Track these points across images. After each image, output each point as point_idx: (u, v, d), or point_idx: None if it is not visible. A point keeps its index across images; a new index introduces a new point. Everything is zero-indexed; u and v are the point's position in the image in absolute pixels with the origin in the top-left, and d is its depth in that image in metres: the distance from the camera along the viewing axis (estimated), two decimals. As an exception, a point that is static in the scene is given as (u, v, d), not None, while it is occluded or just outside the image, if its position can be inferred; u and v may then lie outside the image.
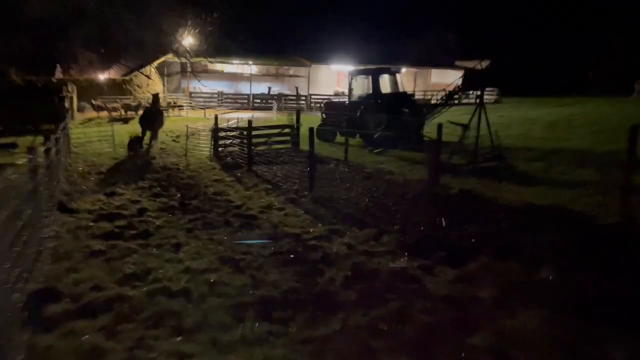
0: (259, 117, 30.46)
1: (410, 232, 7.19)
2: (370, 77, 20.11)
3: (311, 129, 21.17)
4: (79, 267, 5.98)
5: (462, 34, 43.47)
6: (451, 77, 45.35)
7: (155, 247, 7.06)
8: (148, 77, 35.35)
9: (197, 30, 37.21)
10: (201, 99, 36.05)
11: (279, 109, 33.16)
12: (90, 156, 16.49)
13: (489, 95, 39.96)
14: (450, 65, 43.73)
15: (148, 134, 17.86)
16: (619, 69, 41.97)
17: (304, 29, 43.74)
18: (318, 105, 36.56)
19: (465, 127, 14.19)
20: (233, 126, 20.62)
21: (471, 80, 42.20)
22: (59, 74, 36.47)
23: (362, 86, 20.85)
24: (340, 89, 41.65)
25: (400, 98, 20.03)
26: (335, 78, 44.34)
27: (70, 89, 30.33)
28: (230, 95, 37.40)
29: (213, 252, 6.71)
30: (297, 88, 39.01)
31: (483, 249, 6.05)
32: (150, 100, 20.75)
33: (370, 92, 20.15)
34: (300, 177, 12.86)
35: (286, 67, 42.50)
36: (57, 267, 5.97)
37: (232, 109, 34.96)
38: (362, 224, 7.89)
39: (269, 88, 40.08)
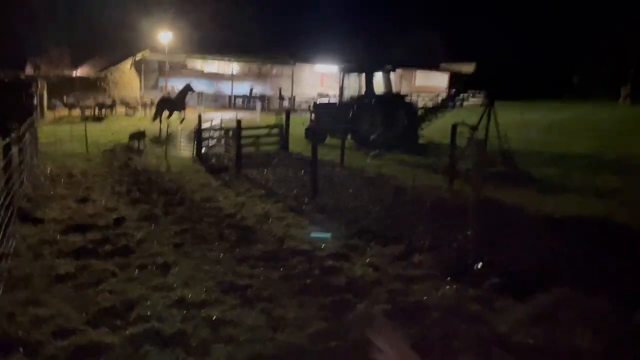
0: (242, 117, 29.02)
1: (443, 250, 6.06)
2: (363, 76, 19.00)
3: (309, 130, 20.16)
4: (40, 299, 4.67)
5: (447, 37, 42.87)
6: (436, 80, 44.77)
7: (138, 268, 5.77)
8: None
9: (176, 27, 35.79)
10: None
11: (263, 110, 31.85)
12: (60, 157, 14.97)
13: (475, 99, 39.30)
14: (436, 68, 43.05)
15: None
16: (605, 74, 41.88)
17: (287, 27, 42.52)
18: (303, 106, 35.40)
19: (473, 129, 13.17)
20: (217, 127, 19.25)
21: (458, 84, 41.69)
22: (29, 70, 34.53)
23: (354, 85, 19.72)
24: (324, 90, 40.55)
25: (394, 99, 18.99)
26: (319, 79, 43.22)
27: (40, 86, 28.49)
28: (210, 95, 35.92)
29: (210, 276, 5.46)
30: (280, 89, 37.75)
31: (546, 275, 4.95)
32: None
33: (363, 92, 19.04)
34: (296, 182, 11.66)
35: (269, 66, 41.20)
36: (11, 298, 4.65)
37: (212, 108, 33.48)
38: (382, 238, 6.74)
39: (251, 88, 38.74)
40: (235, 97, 36.28)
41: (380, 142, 17.21)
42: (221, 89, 39.27)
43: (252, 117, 29.57)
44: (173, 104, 23.87)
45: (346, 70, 20.10)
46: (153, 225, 7.93)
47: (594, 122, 22.98)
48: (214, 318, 4.27)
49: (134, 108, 30.60)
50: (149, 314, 4.34)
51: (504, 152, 13.20)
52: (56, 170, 12.96)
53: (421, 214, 8.10)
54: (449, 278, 5.11)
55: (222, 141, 17.09)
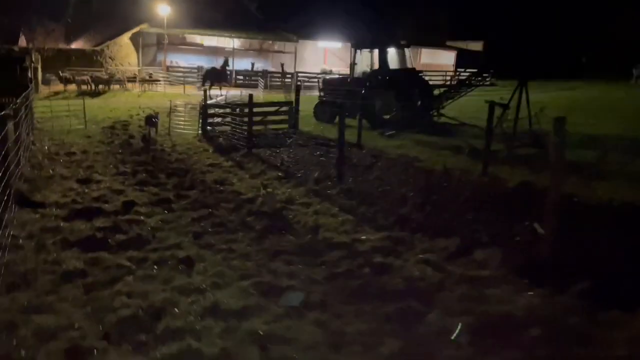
0: (244, 95, 28.01)
1: (506, 245, 5.29)
2: (376, 51, 18.02)
3: (318, 108, 19.19)
4: (45, 304, 3.89)
5: (454, 14, 41.61)
6: (443, 58, 43.65)
7: (157, 263, 4.99)
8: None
9: (175, 1, 34.43)
10: (179, 74, 33.31)
11: (265, 87, 30.80)
12: (58, 134, 14.09)
13: (483, 78, 38.27)
14: (443, 46, 41.89)
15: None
16: (614, 54, 40.89)
17: (289, 2, 41.10)
18: (306, 83, 34.33)
19: (505, 107, 12.35)
20: (224, 102, 18.31)
21: (465, 62, 40.62)
22: (22, 43, 33.20)
23: (367, 61, 18.75)
24: (327, 67, 39.42)
25: (410, 75, 18.06)
26: (322, 55, 42.05)
27: (34, 59, 27.31)
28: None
29: (242, 274, 4.69)
30: (282, 65, 36.54)
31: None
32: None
33: (377, 67, 18.08)
34: (314, 163, 10.85)
35: (270, 42, 39.93)
36: (10, 302, 3.87)
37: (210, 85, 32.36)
38: (428, 230, 5.96)
39: (252, 64, 37.55)
40: (237, 72, 35.08)
41: (395, 121, 16.36)
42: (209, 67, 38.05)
43: (254, 94, 28.55)
44: (219, 74, 27.62)
45: (358, 46, 19.08)
46: (166, 211, 7.13)
47: (613, 102, 22.14)
48: (260, 332, 3.50)
49: (133, 83, 29.53)
50: (179, 325, 3.57)
51: (535, 133, 12.41)
52: (55, 147, 12.11)
53: (461, 202, 7.31)
54: (526, 281, 4.36)
55: (229, 119, 16.15)
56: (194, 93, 29.48)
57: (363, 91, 17.79)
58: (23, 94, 13.36)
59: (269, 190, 8.03)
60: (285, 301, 4.09)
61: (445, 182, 8.78)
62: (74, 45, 34.81)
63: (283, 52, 39.38)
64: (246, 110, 15.88)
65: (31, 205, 6.93)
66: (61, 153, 11.46)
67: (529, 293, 4.11)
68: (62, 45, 33.76)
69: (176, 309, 3.86)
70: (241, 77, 35.18)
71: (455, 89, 17.13)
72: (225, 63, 29.32)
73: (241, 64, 37.22)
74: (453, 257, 5.04)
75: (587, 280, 4.18)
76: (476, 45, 41.94)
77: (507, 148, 11.73)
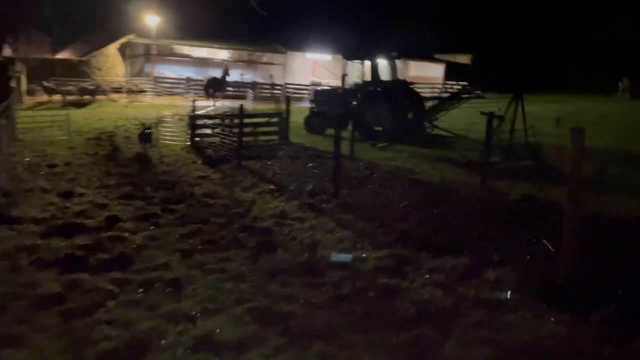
0: (233, 106, 27.61)
1: (518, 264, 4.95)
2: (368, 63, 17.80)
3: (309, 120, 18.85)
4: (18, 334, 3.45)
5: (442, 27, 41.77)
6: (431, 70, 43.69)
7: (142, 286, 4.57)
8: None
9: (164, 11, 34.08)
10: (167, 85, 32.84)
11: (255, 98, 30.43)
12: (41, 145, 13.57)
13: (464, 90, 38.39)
14: (431, 58, 41.94)
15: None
16: (598, 67, 41.27)
17: (277, 14, 41.00)
18: (295, 94, 34.06)
19: (500, 119, 12.12)
20: (213, 113, 17.93)
21: (454, 74, 40.69)
22: (7, 52, 32.56)
23: (358, 72, 18.52)
24: (316, 79, 39.22)
25: (401, 87, 17.85)
26: (311, 67, 41.85)
27: (18, 69, 26.73)
28: (199, 82, 34.30)
29: (236, 298, 4.29)
30: (271, 76, 36.26)
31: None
32: None
33: (368, 79, 17.84)
34: (307, 176, 10.48)
35: (260, 53, 39.66)
36: (-23, 335, 3.43)
37: (201, 96, 31.96)
38: (433, 247, 5.61)
39: (241, 75, 37.21)
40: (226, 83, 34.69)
41: (387, 133, 16.09)
42: (210, 76, 37.67)
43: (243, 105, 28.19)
44: (219, 83, 28.70)
45: (349, 57, 18.87)
46: (153, 226, 6.70)
47: (603, 114, 22.14)
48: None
49: (119, 94, 29.03)
50: (167, 362, 3.16)
51: (531, 145, 12.19)
52: (36, 159, 11.62)
53: (464, 217, 7.00)
54: (545, 305, 4.01)
55: (218, 130, 15.74)
56: (182, 104, 29.05)
57: (354, 102, 17.56)
58: (2, 104, 12.91)
59: None
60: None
61: (444, 196, 8.48)
62: (59, 56, 34.22)
63: (272, 64, 39.13)
64: (236, 121, 15.62)
65: (7, 221, 6.47)
66: (43, 165, 10.98)
67: (552, 319, 3.77)
68: (47, 55, 33.16)
69: (163, 341, 3.45)
70: (230, 89, 34.79)
71: (449, 100, 16.90)
72: (226, 72, 29.71)
73: (230, 75, 36.86)
74: (464, 278, 4.69)
75: (613, 304, 3.85)
76: (464, 58, 42.08)
77: (503, 160, 11.49)
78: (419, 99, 18.07)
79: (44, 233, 6.11)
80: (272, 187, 9.38)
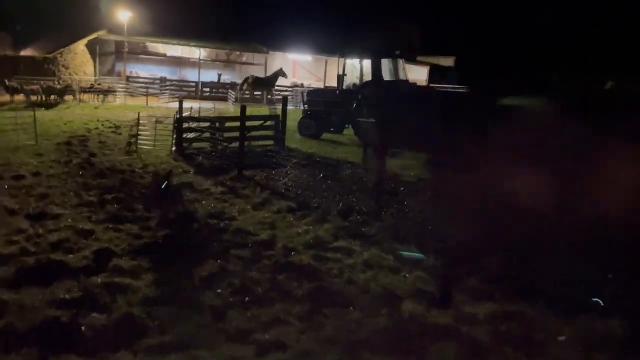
0: (212, 108, 25.81)
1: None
2: (369, 61, 16.42)
3: (303, 122, 17.28)
4: None
5: (425, 29, 40.85)
6: (415, 73, 42.68)
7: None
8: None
9: (136, 6, 31.94)
10: (140, 85, 30.75)
11: (236, 100, 28.63)
12: (3, 151, 11.66)
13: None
14: (415, 61, 40.91)
15: None
16: (582, 71, 41.02)
17: (255, 12, 39.36)
18: (277, 96, 32.49)
19: None
20: (203, 115, 16.25)
21: (437, 77, 39.77)
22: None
23: (357, 72, 17.12)
24: (297, 80, 37.78)
25: (400, 87, 16.53)
26: (291, 68, 40.35)
27: (-24, 66, 24.39)
28: (174, 82, 32.35)
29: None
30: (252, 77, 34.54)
31: None
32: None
33: (369, 79, 16.46)
34: (323, 189, 9.00)
35: (238, 53, 37.89)
36: None
37: (177, 97, 30.04)
38: (542, 295, 4.20)
39: (219, 75, 35.41)
40: (203, 84, 32.84)
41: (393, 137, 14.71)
42: (186, 76, 35.74)
43: (223, 107, 26.47)
44: (262, 82, 28.46)
45: (346, 55, 17.47)
46: (157, 264, 5.09)
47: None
48: None
49: (89, 94, 26.88)
50: None
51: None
52: (-3, 169, 9.76)
53: (542, 245, 5.63)
54: None
55: (207, 134, 14.06)
56: (157, 105, 27.15)
57: (355, 104, 16.17)
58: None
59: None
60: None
61: (494, 214, 7.11)
62: (23, 53, 31.71)
63: (251, 64, 37.45)
64: (228, 124, 14.00)
65: (-41, 260, 4.78)
66: (6, 177, 9.13)
67: None
68: (9, 52, 30.64)
69: None
70: (207, 90, 32.96)
71: None
72: (279, 72, 29.01)
73: (207, 75, 35.00)
74: (629, 352, 3.29)
75: None
76: (447, 61, 41.29)
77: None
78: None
79: (12, 280, 4.44)
80: (290, 204, 7.84)
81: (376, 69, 16.21)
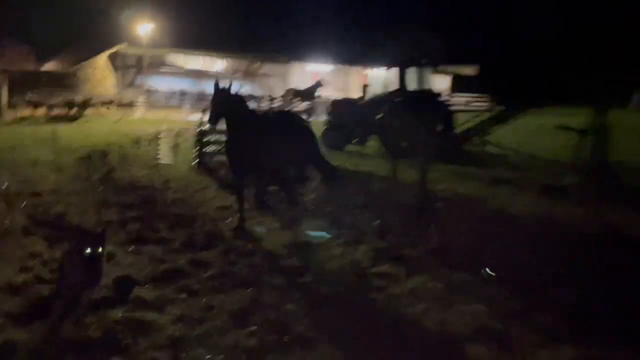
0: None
1: None
2: (396, 71, 15.93)
3: (326, 134, 16.77)
4: None
5: (447, 38, 40.34)
6: (437, 82, 42.08)
7: None
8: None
9: (157, 19, 32.03)
10: (160, 98, 30.70)
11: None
12: (23, 167, 11.39)
13: (481, 103, 36.89)
14: (437, 70, 40.36)
15: None
16: (607, 79, 39.90)
17: (275, 24, 39.26)
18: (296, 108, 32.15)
19: (582, 133, 10.29)
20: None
21: (460, 85, 39.13)
22: (-13, 64, 30.28)
23: (382, 81, 16.64)
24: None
25: (430, 98, 15.96)
26: (310, 79, 40.07)
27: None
28: (194, 95, 32.23)
29: None
30: (271, 88, 34.32)
31: None
32: None
33: (395, 89, 15.95)
34: (353, 205, 8.47)
35: (257, 65, 37.76)
36: None
37: (197, 110, 29.87)
38: (626, 335, 3.60)
39: (239, 87, 35.20)
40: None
41: (422, 150, 14.13)
42: (205, 89, 35.64)
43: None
44: (302, 94, 28.90)
45: (371, 65, 17.00)
46: (184, 294, 4.61)
47: (636, 128, 20.49)
48: None
49: (109, 108, 26.86)
50: None
51: (604, 163, 10.36)
52: (16, 186, 9.43)
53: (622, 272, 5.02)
54: None
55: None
56: (177, 118, 27.01)
57: (381, 115, 15.63)
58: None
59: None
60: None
61: (551, 237, 6.51)
62: (45, 68, 31.98)
63: (270, 76, 37.28)
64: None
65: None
66: (24, 193, 8.80)
67: None
68: (31, 67, 30.90)
69: None
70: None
71: (508, 113, 14.86)
72: (318, 84, 30.31)
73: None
74: None
75: None
76: (470, 70, 40.65)
77: (589, 182, 9.60)
78: (448, 112, 16.23)
79: (23, 314, 4.00)
80: (319, 222, 7.33)
81: (402, 79, 15.71)
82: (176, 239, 6.55)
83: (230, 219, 7.52)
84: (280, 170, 7.15)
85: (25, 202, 8.20)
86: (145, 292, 4.58)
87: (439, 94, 17.53)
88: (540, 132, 19.42)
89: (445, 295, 4.55)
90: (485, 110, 35.90)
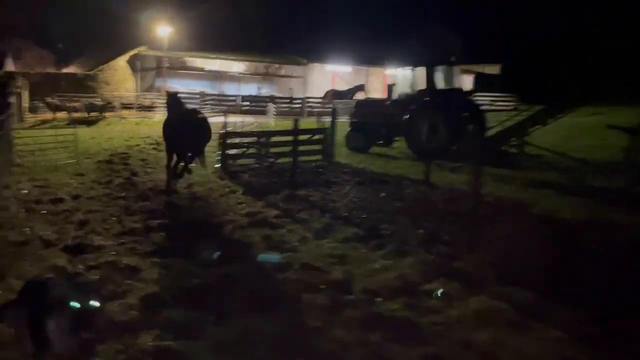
0: (253, 122, 25.08)
1: None
2: (421, 70, 15.34)
3: (351, 135, 16.17)
4: None
5: (469, 36, 39.50)
6: (458, 82, 41.28)
7: None
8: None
9: (176, 21, 31.83)
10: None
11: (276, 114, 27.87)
12: (43, 172, 11.08)
13: (506, 102, 36.01)
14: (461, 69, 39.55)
15: None
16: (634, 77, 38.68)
17: (295, 25, 38.83)
18: (316, 109, 31.70)
19: (634, 132, 9.65)
20: (248, 130, 15.48)
21: (483, 85, 38.22)
22: (10, 67, 30.37)
23: (409, 81, 16.06)
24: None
25: (460, 97, 15.36)
26: (330, 80, 39.59)
27: (20, 84, 24.46)
28: (213, 97, 31.91)
29: None
30: (291, 89, 33.86)
31: None
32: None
33: (423, 88, 15.36)
34: (390, 212, 7.93)
35: (277, 66, 37.36)
36: None
37: (217, 112, 29.54)
38: None
39: (258, 89, 34.90)
40: (243, 98, 32.31)
41: (442, 151, 13.53)
42: (225, 90, 35.37)
43: (264, 121, 25.76)
44: (342, 95, 29.52)
45: (398, 64, 16.41)
46: (217, 319, 4.12)
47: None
48: None
49: (129, 110, 26.68)
50: None
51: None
52: (36, 191, 9.10)
53: None
54: None
55: (254, 149, 13.21)
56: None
57: (408, 115, 15.04)
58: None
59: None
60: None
61: (620, 245, 5.90)
62: (65, 71, 31.98)
63: (290, 77, 36.85)
64: (274, 139, 13.14)
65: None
66: (44, 200, 8.44)
67: None
68: (52, 69, 30.91)
69: None
70: (247, 103, 32.44)
71: (548, 113, 14.09)
72: (359, 87, 31.49)
73: (246, 89, 34.56)
74: None
75: None
76: (492, 69, 39.74)
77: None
78: (479, 111, 15.57)
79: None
80: (356, 231, 6.81)
81: (430, 78, 15.12)
82: (204, 249, 6.09)
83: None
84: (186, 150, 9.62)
85: (44, 210, 7.84)
86: (176, 314, 4.11)
87: (470, 93, 16.83)
88: (576, 132, 18.65)
89: (515, 318, 3.99)
90: (512, 110, 35.03)
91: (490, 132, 14.41)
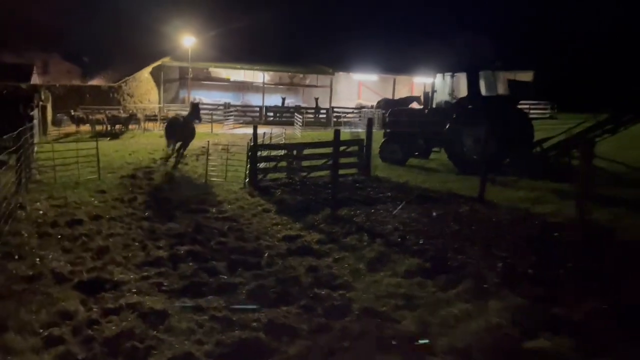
0: (281, 133, 24.22)
1: None
2: (464, 75, 14.27)
3: (385, 146, 15.09)
4: None
5: (500, 43, 38.24)
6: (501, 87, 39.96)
7: None
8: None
9: (200, 32, 31.30)
10: (204, 111, 29.77)
11: (303, 124, 26.99)
12: (62, 189, 10.29)
13: (541, 110, 34.61)
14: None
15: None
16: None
17: (319, 34, 38.06)
18: (342, 119, 30.77)
19: None
20: (279, 142, 14.61)
21: (515, 92, 36.85)
22: (35, 80, 30.21)
23: (447, 88, 14.99)
24: (362, 102, 35.92)
25: (505, 105, 14.19)
26: (356, 89, 38.72)
27: (43, 97, 24.07)
28: (238, 108, 31.21)
29: None
30: (316, 99, 32.96)
31: None
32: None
33: (465, 95, 14.29)
34: (448, 235, 6.89)
35: (302, 76, 36.60)
36: None
37: (241, 123, 28.82)
38: None
39: (283, 99, 34.12)
40: (267, 108, 31.56)
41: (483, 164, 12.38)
42: (249, 101, 34.70)
43: (290, 132, 24.84)
44: (393, 104, 28.00)
45: (439, 70, 15.34)
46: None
47: None
48: None
49: (154, 123, 26.09)
50: None
51: None
52: (53, 211, 8.27)
53: None
54: None
55: (284, 163, 12.28)
56: (222, 132, 26.05)
57: (448, 125, 13.97)
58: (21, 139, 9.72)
59: None
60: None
61: None
62: (91, 83, 31.71)
63: (316, 86, 36.02)
64: (307, 151, 12.21)
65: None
66: (61, 223, 7.59)
67: None
68: (76, 82, 30.64)
69: None
70: (271, 114, 31.68)
71: (611, 122, 12.81)
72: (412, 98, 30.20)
73: (270, 99, 33.82)
74: None
75: None
76: (525, 76, 38.31)
77: None
78: (526, 120, 14.36)
79: None
80: (418, 261, 5.78)
81: (474, 84, 14.01)
82: (241, 285, 5.14)
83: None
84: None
85: (60, 234, 7.00)
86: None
87: (517, 100, 15.64)
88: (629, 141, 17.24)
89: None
90: (548, 118, 33.55)
91: (550, 143, 13.24)
